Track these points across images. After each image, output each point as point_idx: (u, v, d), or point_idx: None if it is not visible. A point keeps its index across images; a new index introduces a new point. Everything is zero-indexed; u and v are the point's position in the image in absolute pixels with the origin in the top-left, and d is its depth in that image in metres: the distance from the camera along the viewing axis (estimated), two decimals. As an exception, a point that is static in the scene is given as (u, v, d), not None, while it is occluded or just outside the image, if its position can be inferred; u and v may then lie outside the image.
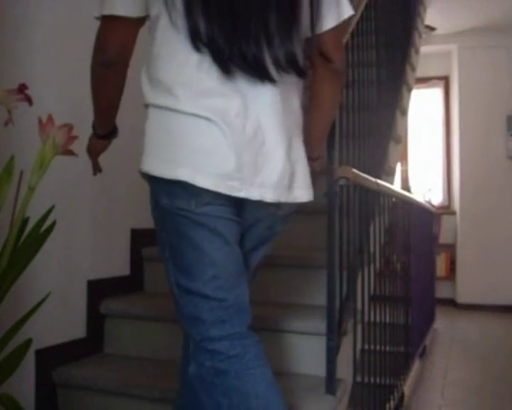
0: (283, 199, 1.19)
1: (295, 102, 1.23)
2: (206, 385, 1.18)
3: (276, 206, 1.21)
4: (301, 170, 1.23)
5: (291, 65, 1.16)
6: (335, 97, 1.35)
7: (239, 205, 1.19)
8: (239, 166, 1.12)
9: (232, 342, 1.20)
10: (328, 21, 1.23)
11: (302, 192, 1.24)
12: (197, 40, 1.10)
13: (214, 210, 1.15)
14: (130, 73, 1.26)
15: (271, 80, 1.14)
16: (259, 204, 1.17)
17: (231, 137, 1.11)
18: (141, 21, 1.18)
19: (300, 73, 1.19)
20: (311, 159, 1.38)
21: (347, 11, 1.26)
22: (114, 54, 1.18)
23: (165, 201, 1.17)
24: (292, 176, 1.20)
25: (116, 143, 2.22)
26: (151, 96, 1.17)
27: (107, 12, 1.14)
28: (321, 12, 1.21)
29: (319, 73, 1.29)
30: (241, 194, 1.13)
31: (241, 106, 1.12)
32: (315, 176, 1.47)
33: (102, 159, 2.13)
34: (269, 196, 1.16)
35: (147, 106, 1.20)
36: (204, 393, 1.18)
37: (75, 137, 1.25)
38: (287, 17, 1.14)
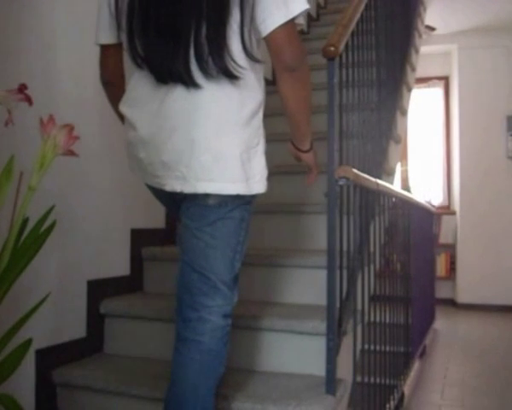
0: (199, 190, 1.30)
1: (232, 101, 1.30)
2: None
3: (206, 196, 1.32)
4: (224, 164, 1.29)
5: (221, 73, 1.27)
6: (296, 94, 1.36)
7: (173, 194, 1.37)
8: (157, 164, 1.32)
9: None
10: (276, 19, 1.26)
11: (220, 185, 1.31)
12: (137, 58, 1.31)
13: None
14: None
15: (196, 86, 1.27)
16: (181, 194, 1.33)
17: (148, 142, 1.32)
18: (122, 47, 1.40)
19: (232, 77, 1.27)
20: (301, 151, 1.55)
21: (298, 7, 1.27)
22: (107, 74, 1.48)
23: None
24: (207, 170, 1.29)
25: (116, 145, 2.22)
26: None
27: (95, 42, 1.43)
28: (264, 12, 1.26)
29: (276, 72, 1.33)
30: (167, 188, 1.34)
31: (160, 108, 1.30)
32: (310, 167, 1.60)
33: (103, 159, 2.14)
34: (184, 189, 1.31)
35: None
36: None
37: (76, 138, 1.25)
38: (216, 34, 1.25)
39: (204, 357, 1.36)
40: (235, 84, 1.29)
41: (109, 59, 1.45)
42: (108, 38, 1.40)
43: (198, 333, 1.36)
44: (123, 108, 1.39)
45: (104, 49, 1.44)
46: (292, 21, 1.27)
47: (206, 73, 1.26)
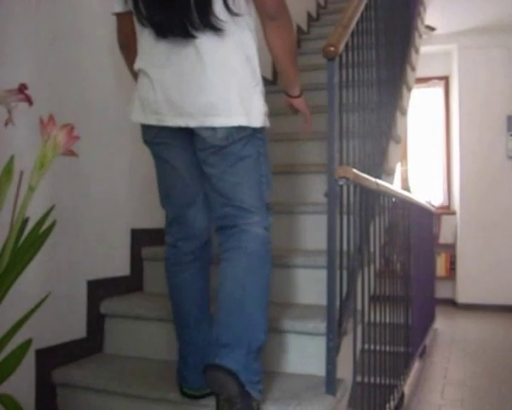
0: (206, 124, 1.47)
1: (225, 49, 1.48)
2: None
3: (213, 132, 1.49)
4: (227, 101, 1.47)
5: (207, 27, 1.46)
6: (279, 41, 1.53)
7: (184, 133, 1.53)
8: (161, 102, 1.49)
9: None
10: None
11: (225, 119, 1.48)
12: (141, 18, 1.51)
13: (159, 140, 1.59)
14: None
15: (193, 37, 1.46)
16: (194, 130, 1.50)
17: (156, 83, 1.50)
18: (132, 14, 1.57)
19: (216, 30, 1.46)
20: (292, 98, 1.73)
21: None
22: (123, 38, 1.69)
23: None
24: (214, 107, 1.46)
25: (117, 145, 2.22)
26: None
27: (111, 11, 1.64)
28: None
29: (262, 23, 1.52)
30: (168, 123, 1.51)
31: (167, 58, 1.49)
32: (304, 113, 1.77)
33: (103, 160, 2.14)
34: (190, 123, 1.48)
35: None
36: None
37: (76, 138, 1.24)
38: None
39: (249, 258, 1.54)
40: (225, 35, 1.47)
41: (123, 25, 1.66)
42: (120, 6, 1.61)
43: (242, 241, 1.54)
44: (137, 63, 1.57)
45: (118, 17, 1.66)
46: None
47: (195, 28, 1.46)
